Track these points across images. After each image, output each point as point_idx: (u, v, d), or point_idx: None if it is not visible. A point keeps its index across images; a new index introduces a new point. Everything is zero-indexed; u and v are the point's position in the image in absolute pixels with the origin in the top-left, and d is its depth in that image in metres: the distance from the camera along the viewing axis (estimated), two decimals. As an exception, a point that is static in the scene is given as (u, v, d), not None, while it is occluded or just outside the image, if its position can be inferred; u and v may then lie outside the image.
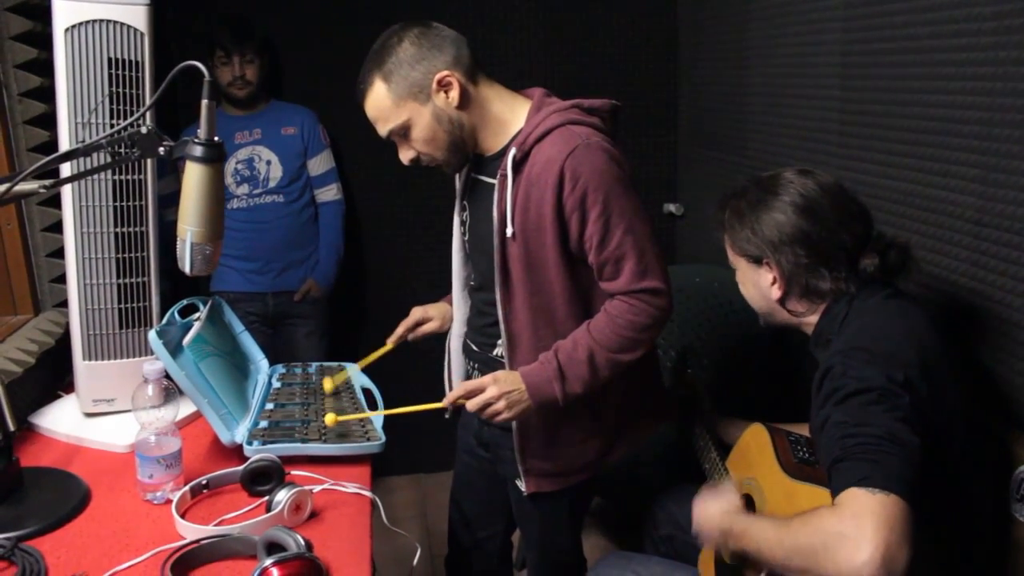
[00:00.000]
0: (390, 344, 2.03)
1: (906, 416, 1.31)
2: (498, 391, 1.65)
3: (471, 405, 1.68)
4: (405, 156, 1.74)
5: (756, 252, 1.59)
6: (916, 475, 1.26)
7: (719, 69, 3.03)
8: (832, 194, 1.55)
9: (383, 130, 1.71)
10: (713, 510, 1.53)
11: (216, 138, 1.36)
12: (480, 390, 1.67)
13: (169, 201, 1.81)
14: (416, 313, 2.02)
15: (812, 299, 1.57)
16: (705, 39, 3.16)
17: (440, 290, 2.06)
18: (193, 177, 1.36)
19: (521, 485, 1.83)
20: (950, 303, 1.78)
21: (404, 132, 1.69)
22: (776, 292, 1.59)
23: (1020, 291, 1.59)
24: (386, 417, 1.86)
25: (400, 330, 2.02)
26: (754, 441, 1.73)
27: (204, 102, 1.34)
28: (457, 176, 1.87)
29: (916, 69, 1.85)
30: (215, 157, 1.35)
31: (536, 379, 1.66)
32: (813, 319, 1.58)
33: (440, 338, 2.03)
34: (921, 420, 1.32)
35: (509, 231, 1.66)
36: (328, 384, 2.03)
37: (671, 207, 3.48)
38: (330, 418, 1.75)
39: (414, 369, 2.26)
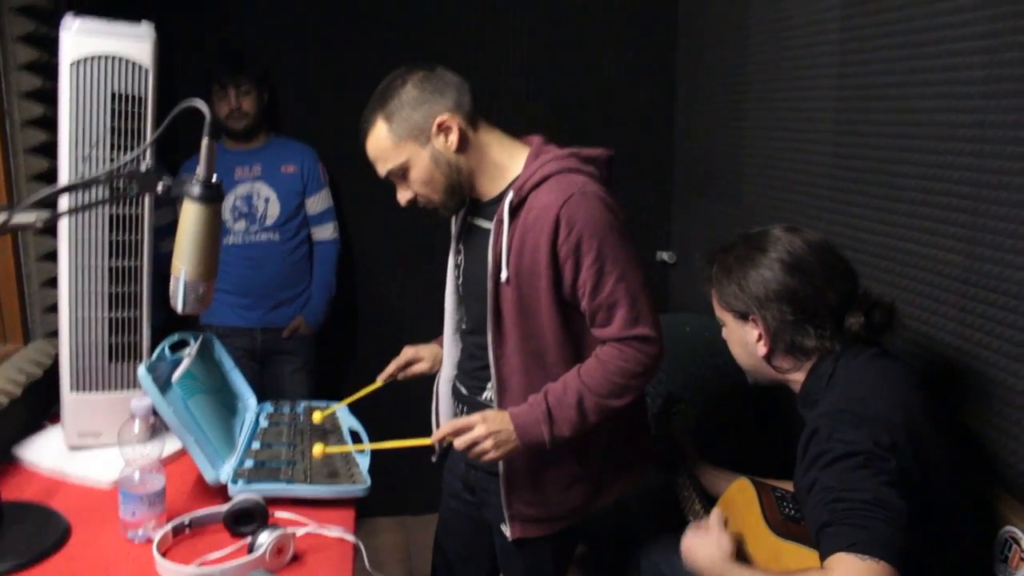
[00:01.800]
0: (380, 382, 2.02)
1: (893, 480, 1.31)
2: (486, 430, 1.65)
3: (459, 443, 1.67)
4: (403, 197, 1.76)
5: (742, 308, 1.60)
6: (904, 540, 1.26)
7: (715, 120, 3.07)
8: (819, 252, 1.57)
9: (382, 170, 1.73)
10: (706, 553, 1.53)
11: (215, 178, 1.37)
12: (468, 428, 1.66)
13: (165, 232, 1.81)
14: (407, 353, 2.02)
15: (797, 356, 1.58)
16: (702, 89, 3.21)
17: (430, 332, 2.06)
18: (190, 216, 1.36)
19: (506, 530, 1.82)
20: (936, 361, 1.79)
21: (403, 173, 1.71)
22: (762, 348, 1.60)
23: (1006, 350, 1.60)
24: (372, 454, 1.85)
25: (391, 368, 2.02)
26: (740, 496, 1.72)
27: (204, 141, 1.35)
28: (453, 220, 1.88)
29: (907, 128, 1.88)
30: (213, 197, 1.36)
31: (524, 420, 1.66)
32: (799, 376, 1.59)
33: (428, 380, 2.03)
34: (907, 484, 1.32)
35: (503, 275, 1.67)
36: (317, 416, 2.02)
37: (664, 255, 3.50)
38: (318, 448, 1.74)
39: (402, 412, 2.25)
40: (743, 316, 1.61)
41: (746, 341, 1.63)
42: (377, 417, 2.08)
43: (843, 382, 1.50)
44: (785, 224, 1.64)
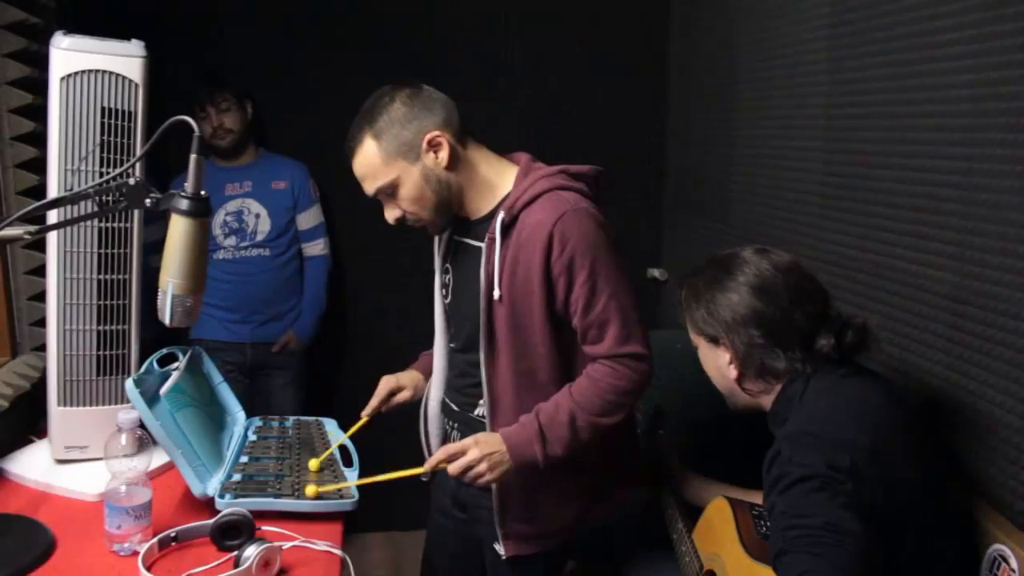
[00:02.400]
0: (365, 417, 1.97)
1: (849, 503, 1.29)
2: (480, 453, 1.65)
3: (453, 469, 1.66)
4: (391, 215, 1.76)
5: (712, 332, 1.60)
6: (860, 563, 1.24)
7: (706, 137, 3.09)
8: (787, 273, 1.56)
9: (370, 188, 1.72)
10: None
11: (203, 192, 1.37)
12: (461, 453, 1.66)
13: (156, 247, 1.81)
14: (388, 383, 1.98)
15: (767, 379, 1.57)
16: (692, 107, 3.22)
17: (418, 347, 2.05)
18: (177, 229, 1.37)
19: (500, 548, 1.81)
20: (924, 378, 1.79)
21: (392, 191, 1.71)
22: (732, 372, 1.60)
23: (995, 368, 1.60)
24: (362, 469, 1.85)
25: (374, 403, 1.97)
26: (718, 516, 1.72)
27: (192, 156, 1.35)
28: (437, 240, 1.88)
29: (896, 146, 1.89)
30: (200, 211, 1.37)
31: (517, 440, 1.66)
32: (769, 399, 1.59)
33: (415, 403, 2.01)
34: (867, 506, 1.31)
35: (496, 294, 1.67)
36: (314, 464, 1.90)
37: (655, 272, 3.51)
38: (311, 489, 1.72)
39: (392, 433, 2.23)
40: (714, 340, 1.61)
41: (718, 364, 1.63)
42: (367, 442, 2.04)
43: (810, 403, 1.49)
44: (755, 246, 1.64)
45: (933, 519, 1.43)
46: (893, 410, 1.48)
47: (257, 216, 2.99)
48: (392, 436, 2.12)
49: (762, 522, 1.62)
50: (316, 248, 3.14)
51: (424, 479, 1.83)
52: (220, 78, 2.94)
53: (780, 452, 1.39)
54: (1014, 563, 1.47)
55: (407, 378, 2.00)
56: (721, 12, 2.91)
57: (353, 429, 1.99)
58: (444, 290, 1.88)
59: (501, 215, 1.66)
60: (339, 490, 1.79)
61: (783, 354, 1.53)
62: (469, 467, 1.65)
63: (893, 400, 1.51)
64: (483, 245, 1.70)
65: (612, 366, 1.67)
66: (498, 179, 1.74)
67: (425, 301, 1.96)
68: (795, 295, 1.54)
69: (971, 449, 1.67)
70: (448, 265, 1.86)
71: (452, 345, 1.90)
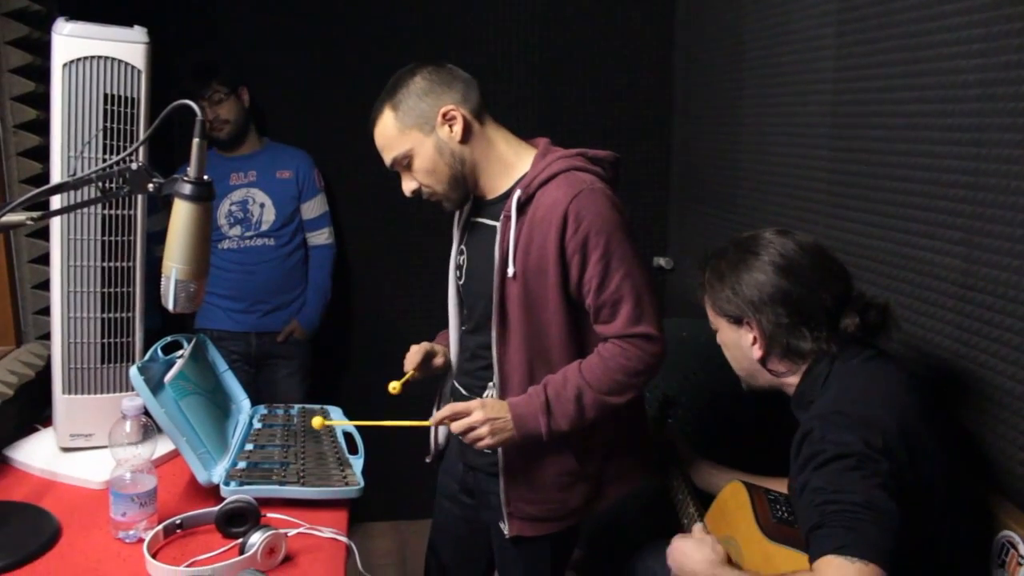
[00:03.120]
0: (412, 371, 1.88)
1: (884, 482, 1.30)
2: (483, 416, 1.65)
3: (456, 427, 1.67)
4: (407, 187, 1.77)
5: (736, 312, 1.59)
6: (893, 542, 1.25)
7: (712, 127, 3.07)
8: (811, 254, 1.56)
9: (388, 158, 1.74)
10: (697, 558, 1.51)
11: (206, 177, 1.36)
12: (467, 413, 1.66)
13: (160, 237, 1.81)
14: (423, 347, 1.91)
15: (793, 359, 1.56)
16: (698, 96, 3.21)
17: (423, 334, 2.04)
18: (181, 215, 1.36)
19: (504, 527, 1.81)
20: (934, 364, 1.78)
21: (407, 162, 1.72)
22: (757, 352, 1.59)
23: (1004, 354, 1.59)
24: (367, 457, 1.83)
25: (417, 357, 1.89)
26: (733, 499, 1.72)
27: (195, 141, 1.34)
28: (455, 221, 1.88)
29: (903, 132, 1.88)
30: (203, 196, 1.36)
31: (523, 410, 1.66)
32: (794, 380, 1.58)
33: (425, 387, 2.00)
34: (899, 486, 1.31)
35: (510, 271, 1.67)
36: (317, 421, 1.83)
37: (661, 261, 3.50)
38: (317, 421, 1.74)
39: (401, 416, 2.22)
40: (737, 320, 1.60)
41: (741, 345, 1.62)
42: (374, 429, 2.03)
43: (837, 384, 1.49)
44: (776, 228, 1.63)
45: (948, 503, 1.43)
46: (915, 394, 1.48)
47: (262, 206, 2.98)
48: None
49: (778, 506, 1.62)
50: (321, 237, 3.13)
51: (427, 460, 1.80)
52: (212, 69, 2.90)
53: (811, 432, 1.39)
54: (1022, 549, 1.46)
55: (437, 347, 1.97)
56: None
57: (404, 379, 1.86)
58: (458, 271, 1.88)
59: (517, 193, 1.67)
60: (340, 463, 1.80)
61: (809, 334, 1.52)
62: (471, 428, 1.65)
63: (914, 385, 1.51)
64: (498, 224, 1.70)
65: (623, 346, 1.66)
66: (515, 159, 1.75)
67: (431, 290, 1.95)
68: (820, 274, 1.54)
69: (980, 435, 1.66)
70: (463, 247, 1.86)
71: (464, 327, 1.89)
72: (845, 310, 1.52)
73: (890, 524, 1.26)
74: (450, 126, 1.69)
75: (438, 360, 1.96)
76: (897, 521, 1.27)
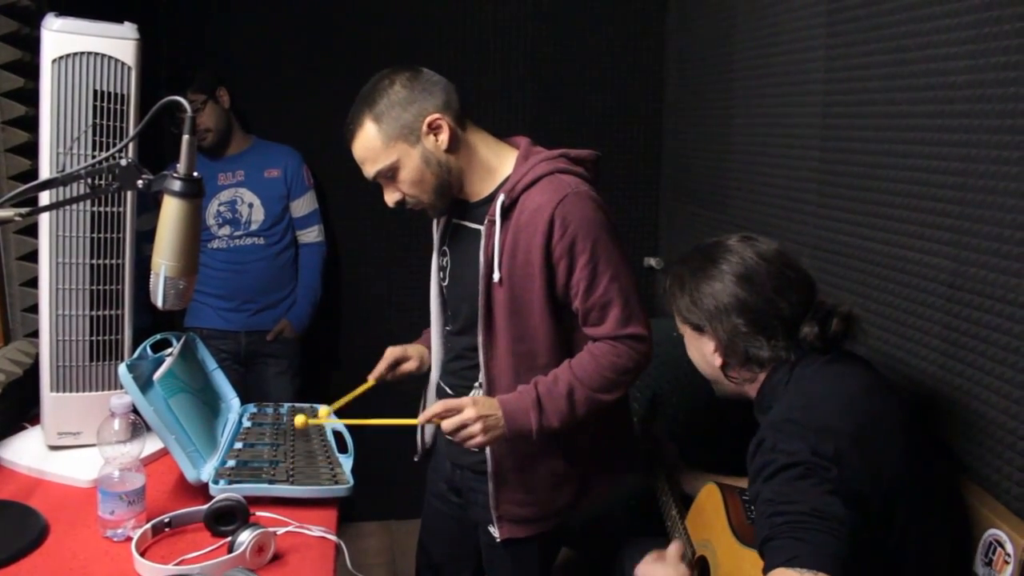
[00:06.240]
0: (372, 380, 1.94)
1: (835, 488, 1.29)
2: (476, 413, 1.64)
3: (447, 425, 1.66)
4: (390, 198, 1.75)
5: (696, 320, 1.59)
6: (846, 548, 1.24)
7: (703, 127, 3.08)
8: (771, 262, 1.56)
9: (370, 171, 1.71)
10: None
11: (195, 174, 1.36)
12: (458, 410, 1.65)
13: (151, 236, 1.80)
14: (393, 352, 1.97)
15: (751, 367, 1.57)
16: (689, 96, 3.21)
17: (415, 332, 2.04)
18: (170, 211, 1.36)
19: (494, 531, 1.81)
20: (922, 364, 1.79)
21: (391, 174, 1.70)
22: (717, 360, 1.59)
23: (992, 354, 1.60)
24: (357, 455, 1.83)
25: (381, 367, 1.95)
26: (708, 502, 1.73)
27: (185, 137, 1.34)
28: (435, 223, 1.88)
29: (893, 133, 1.89)
30: (193, 192, 1.36)
31: (514, 407, 1.66)
32: (754, 387, 1.59)
33: (414, 386, 2.00)
34: (853, 491, 1.31)
35: (496, 276, 1.67)
36: (300, 420, 1.86)
37: (652, 261, 3.50)
38: (300, 419, 1.74)
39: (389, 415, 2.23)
40: (698, 328, 1.61)
41: (703, 352, 1.63)
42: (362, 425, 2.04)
43: (794, 390, 1.49)
44: (741, 234, 1.63)
45: (922, 504, 1.43)
46: (878, 395, 1.48)
47: (250, 206, 2.97)
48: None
49: (751, 506, 1.62)
50: (310, 235, 3.12)
51: (415, 459, 1.80)
52: (184, 79, 2.79)
53: (764, 440, 1.39)
54: (1009, 548, 1.47)
55: (413, 350, 1.99)
56: (719, 1, 2.90)
57: (359, 391, 1.93)
58: (441, 273, 1.87)
59: (501, 197, 1.66)
60: (329, 462, 1.79)
61: (767, 342, 1.52)
62: (463, 425, 1.64)
63: (879, 386, 1.51)
64: (482, 228, 1.70)
65: (614, 345, 1.68)
66: (497, 162, 1.74)
67: (421, 288, 1.95)
68: (779, 284, 1.53)
69: (967, 434, 1.67)
70: (446, 248, 1.85)
71: (448, 328, 1.89)
72: (805, 319, 1.52)
73: (841, 531, 1.25)
74: (436, 135, 1.67)
75: (407, 366, 1.96)
76: (850, 527, 1.26)
